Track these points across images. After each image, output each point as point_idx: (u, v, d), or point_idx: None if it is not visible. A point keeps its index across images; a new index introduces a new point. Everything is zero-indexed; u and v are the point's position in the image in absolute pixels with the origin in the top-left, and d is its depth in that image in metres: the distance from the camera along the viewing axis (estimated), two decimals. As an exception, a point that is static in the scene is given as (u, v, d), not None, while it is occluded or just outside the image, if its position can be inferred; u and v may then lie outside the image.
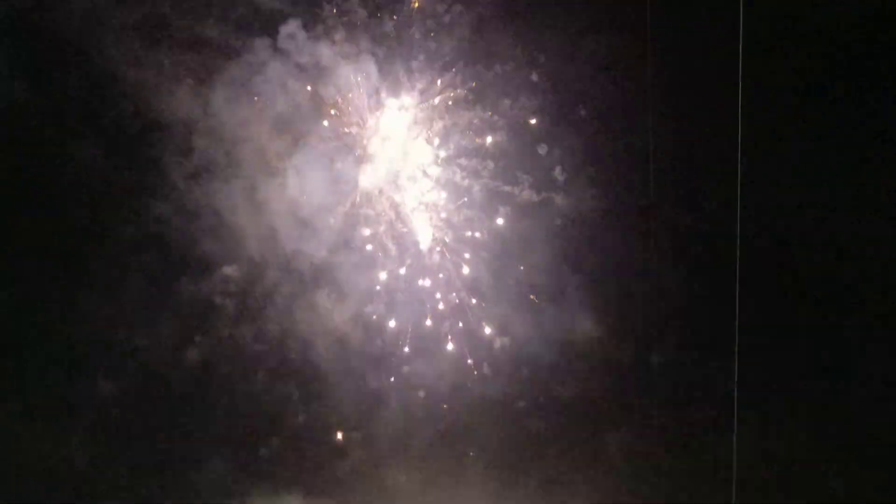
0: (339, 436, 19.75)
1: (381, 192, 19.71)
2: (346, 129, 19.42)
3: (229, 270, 18.82)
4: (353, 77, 19.03)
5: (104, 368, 18.21)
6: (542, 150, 19.20)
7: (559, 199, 19.34)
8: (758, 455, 17.76)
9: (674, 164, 18.30)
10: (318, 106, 19.17)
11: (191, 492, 18.55)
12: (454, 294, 19.88)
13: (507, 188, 19.52)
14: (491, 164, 19.50)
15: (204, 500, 18.59)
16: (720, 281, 17.56)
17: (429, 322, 19.91)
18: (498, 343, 19.90)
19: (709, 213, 18.32)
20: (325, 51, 18.72)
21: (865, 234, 17.23)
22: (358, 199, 19.58)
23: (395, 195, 19.74)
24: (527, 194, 19.45)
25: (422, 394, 19.79)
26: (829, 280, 17.72)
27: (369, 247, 19.64)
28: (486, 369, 19.92)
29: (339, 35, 18.72)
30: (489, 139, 19.39)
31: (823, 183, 17.47)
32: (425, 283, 19.89)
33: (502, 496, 19.81)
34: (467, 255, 19.85)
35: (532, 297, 19.71)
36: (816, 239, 17.55)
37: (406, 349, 19.86)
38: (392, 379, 19.80)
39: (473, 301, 19.86)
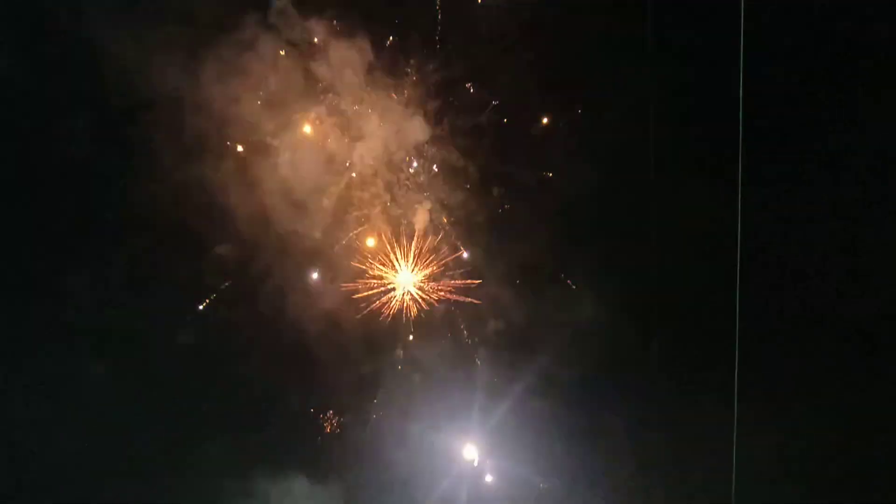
0: (337, 419, 19.58)
1: (375, 172, 19.39)
2: (340, 108, 19.07)
3: (221, 251, 18.54)
4: (347, 55, 18.69)
5: (95, 351, 17.94)
6: (540, 129, 18.93)
7: (558, 179, 19.06)
8: (758, 441, 17.29)
9: (676, 143, 17.94)
10: (311, 84, 18.83)
11: (187, 474, 18.35)
12: (451, 276, 19.67)
13: (505, 168, 19.24)
14: (487, 144, 19.22)
15: (201, 482, 18.37)
16: (722, 264, 17.26)
17: (426, 305, 19.71)
18: (496, 325, 19.67)
19: (711, 194, 17.93)
20: (318, 28, 18.37)
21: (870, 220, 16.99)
22: (353, 179, 19.29)
23: (390, 176, 19.42)
24: (524, 174, 19.17)
25: (419, 377, 19.60)
26: (834, 267, 17.44)
27: (363, 228, 19.42)
28: (484, 351, 19.73)
29: (332, 11, 18.34)
30: (485, 118, 19.09)
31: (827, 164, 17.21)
32: (421, 265, 19.65)
33: (502, 477, 19.72)
34: (465, 237, 19.61)
35: (530, 279, 19.47)
36: (820, 226, 17.28)
37: (403, 331, 19.68)
38: (390, 361, 19.63)
39: (471, 282, 19.65)
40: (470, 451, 19.92)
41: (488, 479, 19.85)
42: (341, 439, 19.58)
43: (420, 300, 19.59)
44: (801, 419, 17.68)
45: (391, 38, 18.83)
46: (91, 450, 17.43)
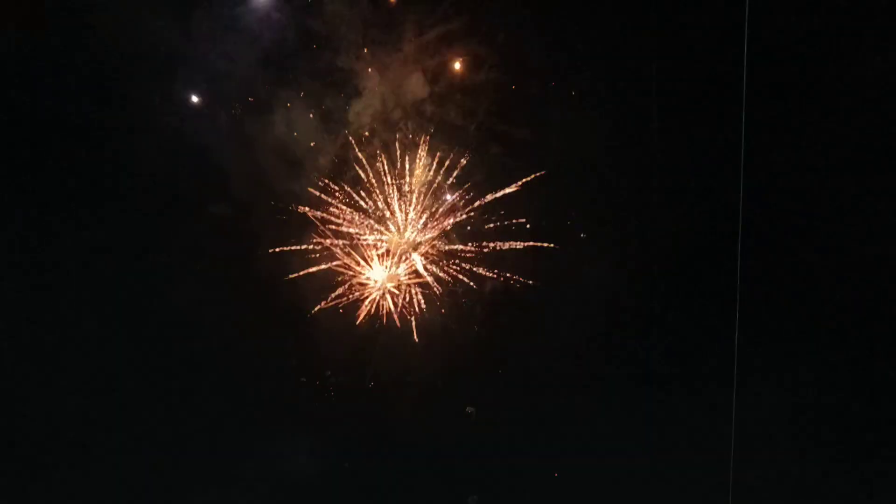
0: (334, 379, 19.52)
1: (372, 131, 19.06)
2: (337, 65, 18.70)
3: (216, 210, 18.32)
4: (344, 10, 18.30)
5: (89, 310, 17.90)
6: (537, 87, 18.54)
7: (556, 139, 18.71)
8: (758, 401, 17.43)
9: (678, 101, 17.56)
10: (308, 40, 18.46)
11: (184, 432, 18.38)
12: (446, 238, 19.44)
13: (503, 127, 18.88)
14: (486, 103, 18.84)
15: (200, 440, 18.42)
16: (724, 225, 17.15)
17: (423, 264, 19.49)
18: (494, 285, 19.47)
19: (713, 155, 17.63)
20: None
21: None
22: (349, 138, 18.97)
23: (387, 134, 19.08)
24: (523, 133, 18.81)
25: (416, 337, 19.47)
26: (836, 234, 17.24)
27: (360, 187, 19.15)
28: (482, 311, 19.54)
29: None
30: (484, 76, 18.68)
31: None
32: (419, 225, 19.40)
33: (500, 436, 19.68)
34: (462, 197, 19.30)
35: (529, 242, 19.23)
36: (823, 191, 17.01)
37: (400, 292, 19.48)
38: (386, 321, 19.48)
39: (469, 245, 19.39)
40: (470, 408, 19.86)
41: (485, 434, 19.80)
42: (339, 399, 19.54)
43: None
44: (801, 375, 17.75)
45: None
46: (82, 408, 17.43)
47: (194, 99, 17.98)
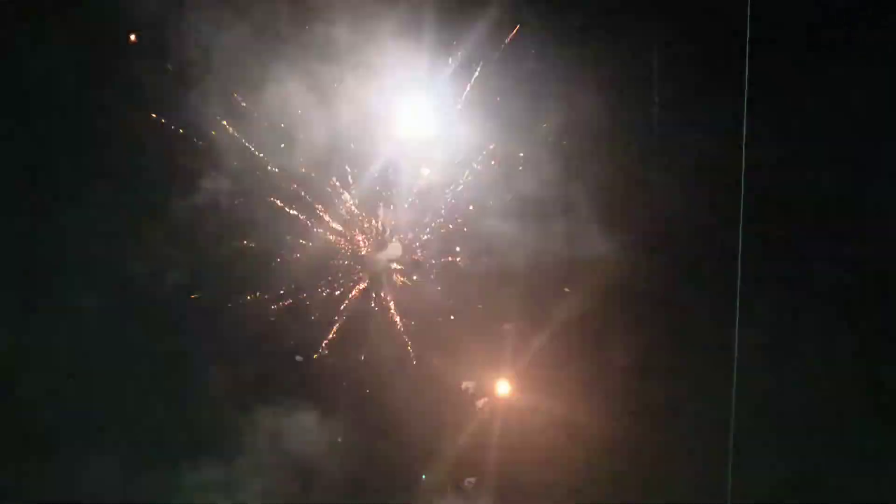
0: (332, 357, 19.66)
1: (367, 102, 18.67)
2: (332, 36, 18.21)
3: (208, 186, 18.30)
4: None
5: (90, 287, 18.15)
6: (534, 62, 17.97)
7: (555, 111, 18.14)
8: (758, 379, 17.22)
9: (678, 78, 17.28)
10: (300, 9, 18.00)
11: (183, 410, 18.75)
12: (444, 211, 19.19)
13: (500, 98, 18.37)
14: (485, 77, 18.28)
15: (199, 417, 18.76)
16: (725, 203, 16.71)
17: (420, 239, 19.37)
18: (491, 260, 19.24)
19: (716, 133, 17.04)
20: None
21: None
22: (344, 111, 18.62)
23: (383, 108, 18.67)
24: (520, 103, 18.27)
25: (413, 316, 19.43)
26: (840, 217, 17.01)
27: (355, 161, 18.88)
28: (480, 286, 19.37)
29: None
30: (480, 45, 18.07)
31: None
32: (415, 200, 19.18)
33: (498, 413, 19.73)
34: (460, 168, 18.98)
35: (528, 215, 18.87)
36: (827, 178, 16.74)
37: (396, 265, 19.42)
38: (383, 295, 19.46)
39: (465, 218, 19.13)
40: (467, 383, 19.91)
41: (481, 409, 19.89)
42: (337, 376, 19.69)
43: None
44: (801, 361, 17.66)
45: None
46: (78, 384, 17.82)
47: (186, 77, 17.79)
